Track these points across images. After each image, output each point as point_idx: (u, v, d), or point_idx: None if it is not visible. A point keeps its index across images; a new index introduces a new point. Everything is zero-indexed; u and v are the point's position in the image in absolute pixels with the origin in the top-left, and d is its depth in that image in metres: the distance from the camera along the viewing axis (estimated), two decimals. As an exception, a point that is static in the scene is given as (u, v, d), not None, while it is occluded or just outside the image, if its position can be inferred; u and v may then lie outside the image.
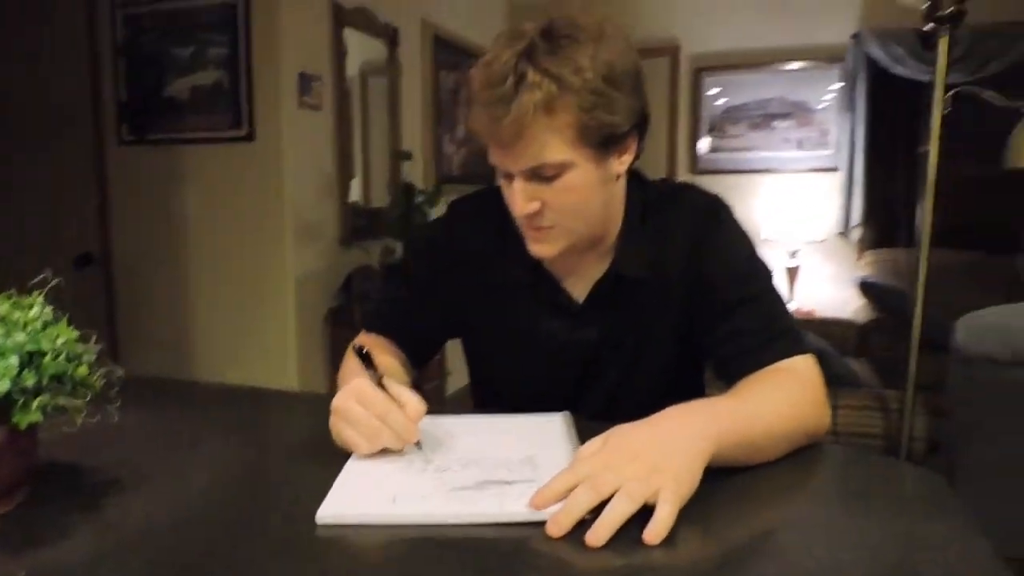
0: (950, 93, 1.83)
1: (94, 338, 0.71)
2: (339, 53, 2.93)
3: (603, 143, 0.88)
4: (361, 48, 3.11)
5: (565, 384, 1.05)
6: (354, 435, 0.78)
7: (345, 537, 0.65)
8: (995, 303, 1.67)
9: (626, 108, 0.87)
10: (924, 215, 1.90)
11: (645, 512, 0.63)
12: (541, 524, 0.64)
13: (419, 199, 3.15)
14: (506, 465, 0.77)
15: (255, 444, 0.94)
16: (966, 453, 1.42)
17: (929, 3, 1.84)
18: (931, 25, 1.87)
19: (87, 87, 2.79)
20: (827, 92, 4.36)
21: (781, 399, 0.83)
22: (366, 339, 1.09)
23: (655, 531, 0.62)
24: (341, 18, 2.92)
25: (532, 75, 0.82)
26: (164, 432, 0.94)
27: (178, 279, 2.83)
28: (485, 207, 1.07)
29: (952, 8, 1.81)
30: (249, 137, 2.68)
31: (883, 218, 4.28)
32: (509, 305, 1.06)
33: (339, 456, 0.79)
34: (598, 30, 0.85)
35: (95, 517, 0.67)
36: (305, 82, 2.73)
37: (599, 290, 1.01)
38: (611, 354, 1.03)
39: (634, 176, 1.03)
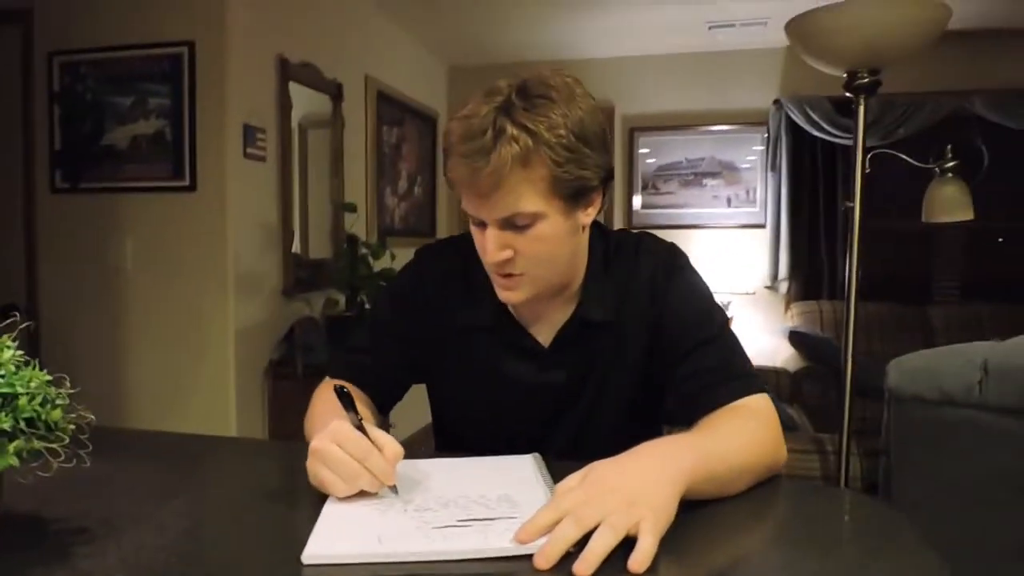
0: (869, 154, 1.98)
1: (67, 383, 0.70)
2: (284, 106, 2.95)
3: (573, 196, 0.92)
4: (304, 101, 3.14)
5: (531, 426, 1.07)
6: (332, 477, 0.78)
7: (333, 572, 0.64)
8: (913, 351, 1.80)
9: (595, 164, 0.93)
10: (851, 267, 2.02)
11: (626, 543, 0.66)
12: (527, 558, 0.66)
13: (363, 251, 3.15)
14: (484, 503, 0.78)
15: (228, 490, 0.92)
16: (902, 491, 1.50)
17: (847, 74, 2.00)
18: (850, 93, 2.03)
19: (18, 134, 2.72)
20: (752, 153, 4.62)
21: (744, 436, 0.87)
22: (331, 387, 1.09)
23: (639, 560, 0.64)
24: (287, 72, 2.94)
25: (511, 129, 0.86)
26: (130, 481, 0.91)
27: (110, 331, 2.72)
28: (453, 254, 1.11)
29: (867, 79, 1.97)
30: (191, 187, 2.64)
31: (807, 271, 4.51)
32: (476, 349, 1.08)
33: (316, 499, 0.79)
34: (569, 91, 0.91)
35: (66, 566, 0.65)
36: (250, 133, 2.73)
37: (564, 334, 1.05)
38: (577, 396, 1.06)
39: (595, 226, 1.08)
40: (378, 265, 3.13)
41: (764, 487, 0.87)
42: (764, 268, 4.49)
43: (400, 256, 3.26)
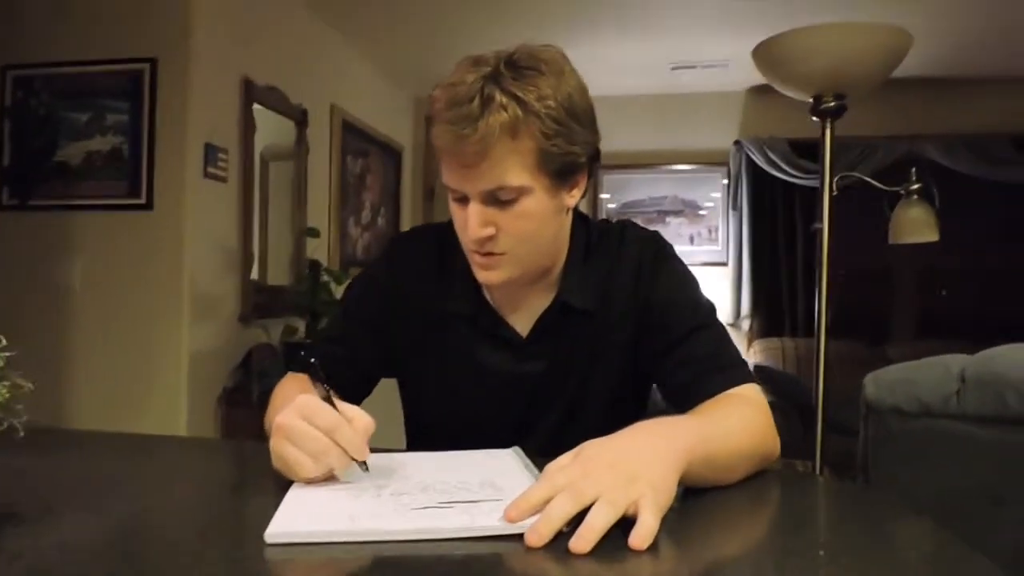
0: (836, 178, 2.00)
1: (3, 342, 0.62)
2: (248, 127, 2.89)
3: (560, 172, 0.90)
4: (268, 127, 3.08)
5: (508, 419, 1.01)
6: (297, 454, 0.71)
7: (299, 557, 0.57)
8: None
9: (583, 140, 0.90)
10: (820, 291, 2.03)
11: (623, 524, 0.60)
12: (516, 537, 0.60)
13: (325, 278, 3.07)
14: (466, 488, 0.72)
15: (180, 481, 0.83)
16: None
17: (813, 98, 2.04)
18: (815, 119, 2.06)
19: (-35, 148, 2.60)
20: (714, 192, 4.69)
21: (741, 421, 0.83)
22: (292, 379, 1.02)
23: (641, 535, 0.59)
24: (252, 94, 2.90)
25: (500, 97, 0.83)
26: (70, 473, 0.82)
27: (55, 354, 2.58)
28: (428, 241, 1.07)
29: (833, 103, 2.01)
30: (147, 206, 2.55)
31: (769, 308, 4.55)
32: (451, 338, 1.03)
33: (279, 488, 0.71)
34: (558, 66, 0.89)
35: (-9, 547, 0.57)
36: (211, 153, 2.66)
37: (543, 322, 1.01)
38: (556, 388, 1.01)
39: (577, 214, 1.05)
40: (340, 292, 3.04)
41: (775, 480, 0.83)
42: (727, 305, 4.53)
43: (363, 284, 3.19)
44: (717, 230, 4.67)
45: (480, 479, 0.75)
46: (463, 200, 0.90)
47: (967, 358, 1.42)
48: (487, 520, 0.62)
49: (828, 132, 2.01)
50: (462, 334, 1.02)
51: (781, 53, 1.96)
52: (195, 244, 2.60)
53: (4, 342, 0.62)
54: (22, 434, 0.61)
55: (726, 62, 4.13)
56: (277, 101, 3.12)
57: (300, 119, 3.35)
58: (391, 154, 4.57)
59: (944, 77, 4.24)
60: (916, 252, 4.55)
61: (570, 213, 0.99)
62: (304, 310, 3.00)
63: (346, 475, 0.73)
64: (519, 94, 0.84)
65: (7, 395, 0.63)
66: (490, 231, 0.89)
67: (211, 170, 2.66)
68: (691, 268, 1.05)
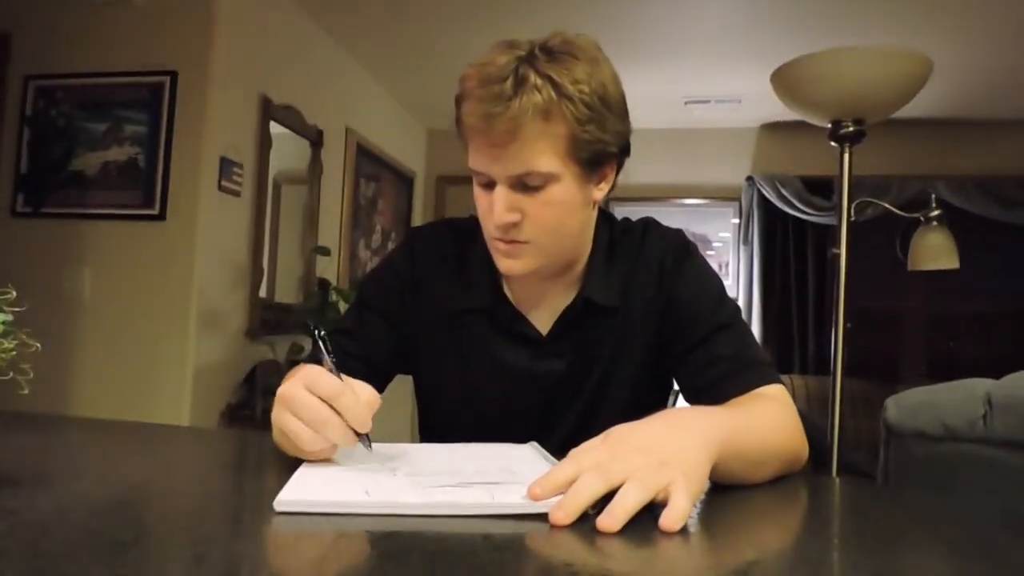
0: (854, 204, 1.98)
1: (13, 294, 0.60)
2: (264, 144, 2.91)
3: (590, 161, 0.87)
4: (282, 150, 3.09)
5: (526, 418, 0.97)
6: (297, 424, 0.67)
7: (309, 526, 0.54)
8: (879, 427, 1.76)
9: (615, 131, 0.87)
10: (838, 318, 1.99)
11: (652, 509, 0.57)
12: (539, 517, 0.56)
13: (334, 297, 3.06)
14: (484, 474, 0.69)
15: (188, 459, 0.80)
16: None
17: (831, 123, 2.03)
18: (833, 144, 2.05)
19: (-17, 156, 2.62)
20: (725, 227, 4.69)
21: (772, 418, 0.80)
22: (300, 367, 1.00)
23: (673, 516, 0.55)
24: (269, 111, 2.92)
25: (534, 78, 0.81)
26: (74, 449, 0.79)
27: (61, 362, 2.56)
28: (448, 235, 1.05)
29: (852, 128, 2.00)
30: (160, 216, 2.55)
31: (779, 346, 4.50)
32: (469, 334, 1.00)
33: (287, 467, 0.68)
34: (592, 53, 0.87)
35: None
36: (226, 166, 2.67)
37: (565, 319, 0.98)
38: (576, 387, 0.98)
39: (602, 212, 1.03)
40: (349, 311, 3.02)
41: (802, 480, 0.80)
42: (736, 341, 4.48)
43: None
44: (728, 265, 4.65)
45: (498, 466, 0.72)
46: (488, 185, 0.88)
47: (991, 382, 1.38)
48: (509, 497, 0.59)
49: (847, 157, 1.99)
50: (480, 330, 0.99)
51: (800, 77, 1.96)
52: (206, 257, 2.59)
53: (14, 295, 0.59)
54: (26, 391, 0.59)
55: (739, 98, 4.16)
56: (293, 120, 3.14)
57: (315, 139, 3.37)
58: (403, 180, 4.59)
59: (957, 119, 4.26)
60: (927, 291, 4.53)
61: (596, 208, 0.97)
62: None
63: (349, 456, 0.70)
64: (554, 76, 0.81)
65: (13, 352, 0.60)
66: (515, 217, 0.87)
67: (225, 184, 2.66)
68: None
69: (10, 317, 0.59)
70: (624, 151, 0.93)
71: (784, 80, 2.00)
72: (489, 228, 0.90)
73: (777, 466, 0.77)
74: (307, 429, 0.66)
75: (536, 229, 0.88)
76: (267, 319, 2.97)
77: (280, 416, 0.68)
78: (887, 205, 2.08)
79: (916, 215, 2.14)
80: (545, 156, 0.83)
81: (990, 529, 0.62)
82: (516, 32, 0.93)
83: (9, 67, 2.65)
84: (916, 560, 0.54)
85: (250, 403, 2.71)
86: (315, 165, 3.40)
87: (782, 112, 4.22)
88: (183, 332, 2.55)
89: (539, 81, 0.81)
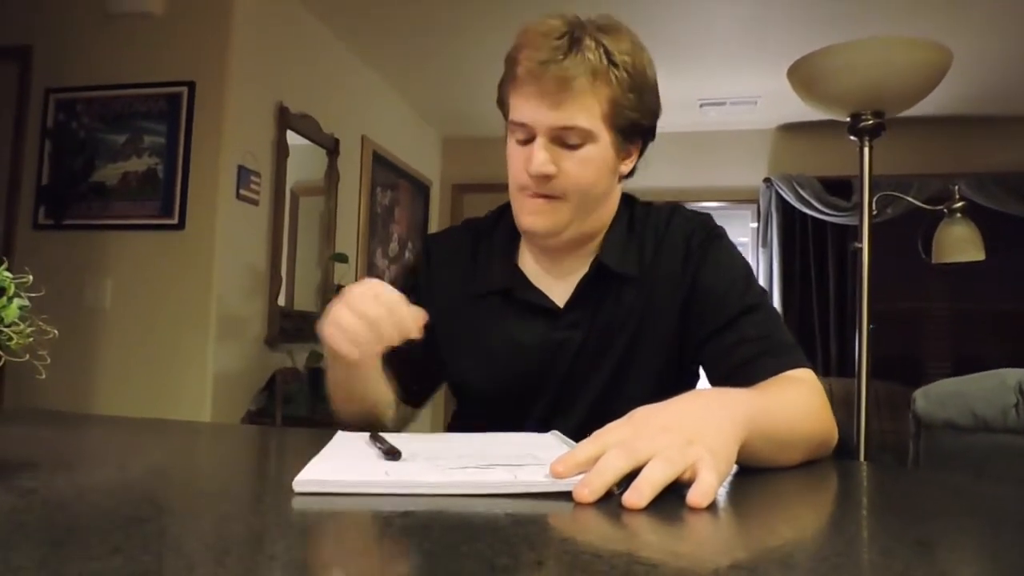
0: (876, 196, 1.95)
1: (30, 278, 0.60)
2: (281, 152, 2.93)
3: (625, 131, 0.91)
4: (298, 160, 3.11)
5: (548, 393, 0.98)
6: (353, 319, 0.75)
7: (328, 506, 0.53)
8: (905, 428, 1.72)
9: (649, 108, 0.92)
10: (861, 314, 1.96)
11: (678, 488, 0.55)
12: (563, 496, 0.55)
13: (352, 303, 3.06)
14: (506, 458, 0.67)
15: (208, 448, 0.80)
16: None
17: (850, 117, 2.01)
18: (852, 138, 2.03)
19: (5, 169, 2.66)
20: (744, 229, 4.65)
21: (800, 401, 0.79)
22: None
23: (702, 491, 0.53)
24: (286, 120, 2.94)
25: (588, 40, 0.86)
26: (94, 441, 0.79)
27: (82, 371, 2.58)
28: (461, 233, 1.10)
29: (871, 121, 1.97)
30: (180, 225, 2.57)
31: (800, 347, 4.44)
32: (486, 316, 1.02)
33: (313, 454, 0.67)
34: (634, 36, 0.92)
35: (4, 486, 0.53)
36: (244, 175, 2.69)
37: (581, 289, 0.98)
38: (595, 359, 0.97)
39: (624, 194, 1.04)
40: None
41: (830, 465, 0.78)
42: (757, 344, 4.43)
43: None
44: (746, 268, 4.61)
45: (520, 452, 0.70)
46: (526, 141, 0.90)
47: (1022, 372, 1.35)
48: (532, 476, 0.57)
49: (867, 152, 1.97)
50: (497, 310, 1.01)
51: (818, 71, 1.94)
52: (225, 265, 2.61)
53: (31, 279, 0.59)
54: (43, 376, 0.58)
55: (755, 99, 4.14)
56: (310, 129, 3.16)
57: (332, 148, 3.39)
58: (420, 189, 4.60)
59: (977, 115, 4.20)
60: (950, 291, 4.46)
61: (619, 184, 0.98)
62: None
63: (369, 444, 0.70)
64: (605, 43, 0.87)
65: (30, 338, 0.60)
66: (552, 169, 0.89)
67: (243, 192, 2.68)
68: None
69: (26, 302, 0.59)
70: (651, 132, 0.96)
71: (802, 74, 1.98)
72: (523, 180, 0.92)
73: (805, 449, 0.76)
74: (362, 325, 0.74)
75: (568, 185, 0.90)
76: (286, 327, 2.98)
77: (338, 311, 0.76)
78: (910, 199, 2.05)
79: (940, 207, 2.10)
80: (588, 115, 0.87)
81: (1031, 506, 0.59)
82: None
83: (30, 80, 2.70)
84: (958, 533, 0.52)
85: (270, 410, 2.71)
86: (332, 173, 3.41)
87: (799, 112, 4.21)
88: (203, 340, 2.56)
89: (592, 44, 0.86)
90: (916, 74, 1.85)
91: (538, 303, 0.99)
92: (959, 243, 2.13)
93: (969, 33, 3.16)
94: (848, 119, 2.00)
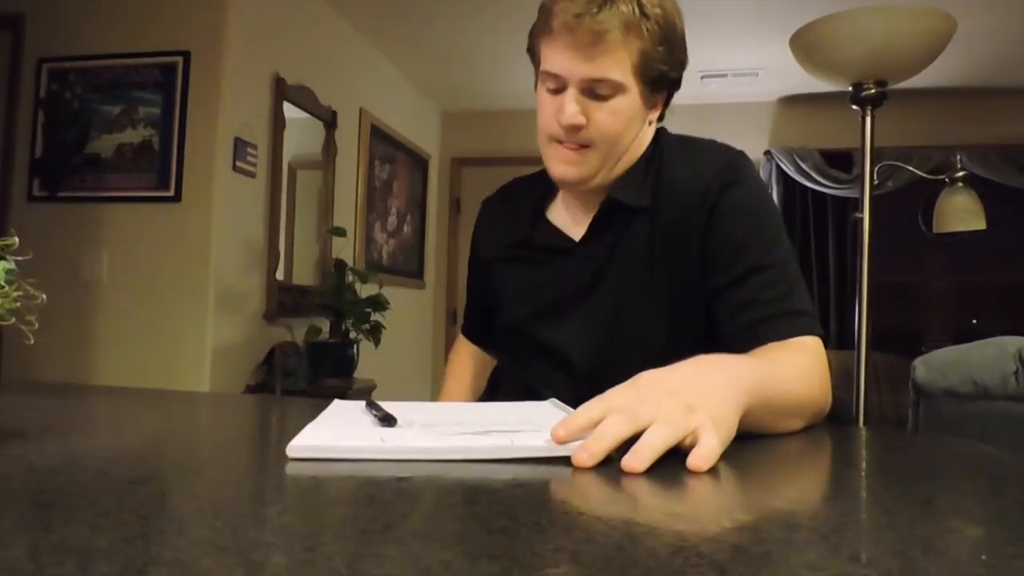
0: (878, 166, 1.93)
1: (16, 240, 0.59)
2: (278, 125, 2.89)
3: (653, 83, 0.92)
4: (295, 133, 3.07)
5: (570, 327, 1.00)
6: None
7: (322, 472, 0.52)
8: (904, 400, 1.70)
9: (678, 60, 0.93)
10: (861, 283, 1.95)
11: (679, 454, 0.54)
12: (562, 461, 0.54)
13: (350, 278, 3.05)
14: (503, 424, 0.67)
15: (202, 416, 0.79)
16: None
17: (852, 86, 1.98)
18: (854, 107, 2.00)
19: (-1, 141, 2.63)
20: (743, 203, 4.62)
21: (800, 371, 0.78)
22: (458, 352, 1.26)
23: (703, 455, 0.53)
24: (283, 91, 2.90)
25: None
26: (87, 410, 0.78)
27: (79, 346, 2.57)
28: (506, 190, 1.18)
29: (874, 90, 1.95)
30: (176, 198, 2.55)
31: (800, 322, 4.44)
32: (516, 264, 1.07)
33: (305, 424, 0.67)
34: None
35: (-5, 451, 0.52)
36: (240, 147, 2.66)
37: (596, 223, 0.99)
38: (611, 289, 0.97)
39: (659, 131, 1.04)
40: (365, 291, 3.02)
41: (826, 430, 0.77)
42: (756, 317, 4.43)
43: (387, 293, 3.15)
44: (746, 241, 4.59)
45: (517, 418, 0.70)
46: (557, 91, 0.91)
47: (1022, 339, 1.34)
48: (530, 441, 0.57)
49: (868, 121, 1.94)
50: (525, 257, 1.06)
51: (820, 39, 1.91)
52: (222, 238, 2.59)
53: (17, 243, 0.58)
54: (32, 341, 0.57)
55: (756, 71, 4.09)
56: (307, 101, 3.12)
57: (330, 120, 3.35)
58: (418, 162, 4.57)
59: (978, 87, 4.16)
60: (950, 263, 4.45)
61: (645, 129, 0.99)
62: (329, 309, 2.97)
63: (363, 411, 0.69)
64: None
65: (16, 303, 0.59)
66: (582, 120, 0.91)
67: (240, 164, 2.65)
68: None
69: (12, 266, 0.58)
70: (677, 83, 0.97)
71: (804, 43, 1.95)
72: (553, 130, 0.93)
73: (803, 418, 0.76)
74: None
75: (597, 134, 0.92)
76: (284, 301, 2.97)
77: None
78: (912, 168, 2.02)
79: (941, 177, 2.08)
80: (620, 67, 0.89)
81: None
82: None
83: (23, 50, 2.66)
84: (959, 493, 0.52)
85: (268, 385, 2.71)
86: (329, 146, 3.38)
87: (800, 84, 4.17)
88: (201, 314, 2.55)
89: None
90: (919, 42, 1.82)
91: (556, 243, 1.02)
92: (960, 212, 2.11)
93: (972, 3, 3.11)
94: (850, 88, 1.98)
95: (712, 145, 1.00)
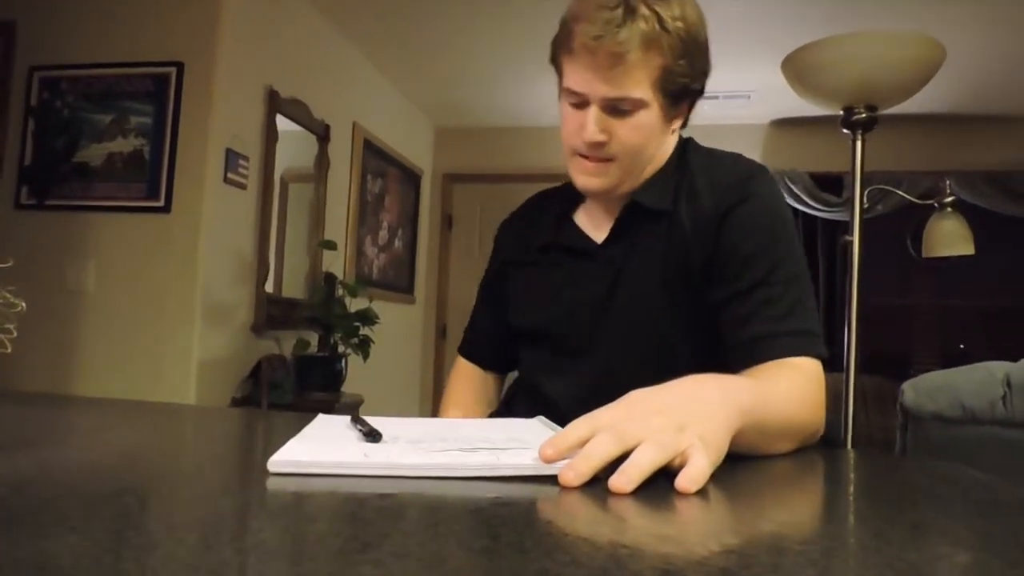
0: (868, 190, 1.95)
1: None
2: (270, 137, 2.89)
3: (675, 95, 0.93)
4: (288, 147, 3.06)
5: (588, 323, 1.00)
6: None
7: (303, 488, 0.51)
8: (891, 423, 1.70)
9: (700, 69, 0.93)
10: (850, 307, 1.95)
11: (668, 474, 0.54)
12: (549, 480, 0.53)
13: (340, 292, 3.03)
14: (490, 441, 0.66)
15: (182, 430, 0.77)
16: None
17: (843, 110, 2.00)
18: (845, 131, 2.02)
19: (-12, 148, 2.61)
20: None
21: (795, 394, 0.78)
22: (458, 374, 1.22)
23: (691, 476, 0.52)
24: (276, 104, 2.90)
25: (642, 8, 0.87)
26: (65, 421, 0.77)
27: (63, 355, 2.54)
28: (529, 204, 1.19)
29: (864, 115, 1.96)
30: (165, 208, 2.53)
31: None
32: (540, 268, 1.08)
33: (287, 438, 0.65)
34: None
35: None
36: (232, 159, 2.65)
37: (618, 226, 1.00)
38: (630, 290, 0.98)
39: (683, 140, 1.05)
40: (354, 306, 3.00)
41: (817, 454, 0.76)
42: (745, 338, 4.43)
43: (377, 308, 3.13)
44: (737, 262, 4.60)
45: (505, 436, 0.69)
46: (580, 105, 0.93)
47: (1010, 364, 1.34)
48: (517, 459, 0.56)
49: (859, 145, 1.96)
50: (549, 260, 1.07)
51: (811, 64, 1.92)
52: (211, 250, 2.57)
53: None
54: (9, 350, 0.56)
55: (748, 93, 4.12)
56: (300, 114, 3.12)
57: (323, 134, 3.35)
58: (411, 177, 4.57)
59: (967, 114, 4.20)
60: (937, 288, 4.48)
61: (672, 135, 0.99)
62: (318, 323, 2.95)
63: (347, 427, 0.68)
64: (659, 10, 0.87)
65: (-3, 310, 0.58)
66: (604, 137, 0.92)
67: (231, 176, 2.65)
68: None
69: (-6, 272, 0.56)
70: (701, 91, 0.98)
71: (796, 67, 1.97)
72: (576, 144, 0.95)
73: (795, 441, 0.75)
74: None
75: (619, 149, 0.94)
76: (273, 314, 2.95)
77: None
78: (902, 193, 2.04)
79: (930, 201, 2.09)
80: (641, 85, 0.89)
81: (1019, 492, 0.58)
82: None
83: (14, 57, 2.64)
84: (949, 517, 0.51)
85: (255, 398, 2.68)
86: (322, 160, 3.38)
87: (792, 107, 4.20)
88: (188, 326, 2.52)
89: (647, 12, 0.87)
90: (909, 69, 1.84)
91: (580, 245, 1.04)
92: (949, 237, 2.13)
93: (961, 31, 3.16)
94: (841, 112, 1.99)
95: (733, 157, 1.01)
